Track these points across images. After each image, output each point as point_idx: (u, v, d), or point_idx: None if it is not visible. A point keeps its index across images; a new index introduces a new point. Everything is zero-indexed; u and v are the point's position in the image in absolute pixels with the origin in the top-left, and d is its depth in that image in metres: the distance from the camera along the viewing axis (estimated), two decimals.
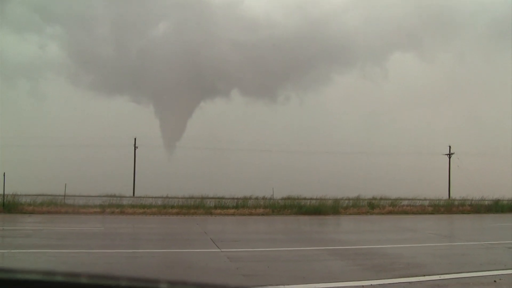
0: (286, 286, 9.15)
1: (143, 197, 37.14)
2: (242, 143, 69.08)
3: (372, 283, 9.28)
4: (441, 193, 47.88)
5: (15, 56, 68.76)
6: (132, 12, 71.07)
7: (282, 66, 73.11)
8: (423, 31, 77.80)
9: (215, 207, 33.71)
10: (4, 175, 31.06)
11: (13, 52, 68.71)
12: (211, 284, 1.72)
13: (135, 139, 57.70)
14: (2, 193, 31.22)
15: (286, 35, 70.68)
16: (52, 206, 31.28)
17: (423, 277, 10.09)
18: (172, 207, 33.09)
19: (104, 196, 36.44)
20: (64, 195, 37.00)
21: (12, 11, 66.67)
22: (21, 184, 37.20)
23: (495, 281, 9.61)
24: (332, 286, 9.60)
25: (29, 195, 34.48)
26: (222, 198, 37.35)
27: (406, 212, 36.19)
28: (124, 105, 73.60)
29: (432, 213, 36.93)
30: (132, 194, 48.43)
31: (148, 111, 71.08)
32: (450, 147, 61.34)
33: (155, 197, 36.92)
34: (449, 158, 61.50)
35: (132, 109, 72.30)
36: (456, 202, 41.54)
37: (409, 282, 9.49)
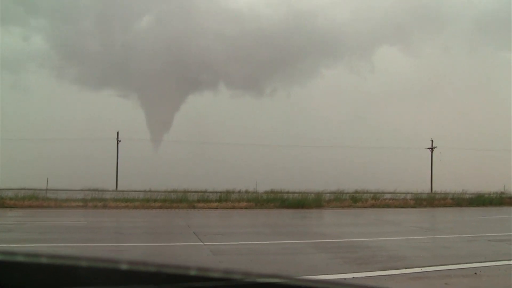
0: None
1: (126, 191, 36.97)
2: (226, 137, 69.20)
3: (354, 276, 9.33)
4: (423, 187, 48.25)
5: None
6: (116, 5, 70.72)
7: (269, 59, 73.26)
8: (410, 25, 78.34)
9: (198, 201, 33.66)
10: None
11: None
12: (214, 269, 1.71)
13: (117, 133, 57.51)
14: None
15: (272, 27, 70.70)
16: (34, 200, 31.08)
17: (404, 269, 10.16)
18: (155, 200, 33.00)
19: (86, 190, 36.29)
20: (46, 189, 36.83)
21: None
22: (2, 178, 37.01)
23: (475, 273, 9.69)
24: (315, 278, 9.63)
25: (10, 189, 34.26)
26: (205, 191, 37.35)
27: (388, 206, 36.39)
28: (109, 98, 73.45)
29: (414, 206, 37.17)
30: (115, 188, 48.27)
31: (133, 104, 70.93)
32: (432, 141, 61.79)
33: (138, 191, 36.84)
34: (431, 152, 61.92)
35: (117, 102, 72.18)
36: (438, 196, 41.84)
37: (390, 275, 9.54)
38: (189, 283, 1.70)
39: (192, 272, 1.68)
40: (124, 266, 1.63)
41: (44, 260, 1.64)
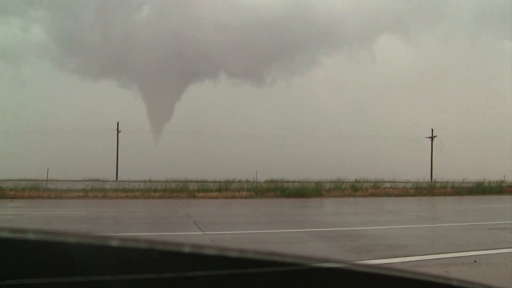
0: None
1: (126, 181, 36.99)
2: (226, 126, 69.00)
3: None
4: (423, 176, 48.19)
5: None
6: None
7: (268, 49, 73.05)
8: (409, 15, 78.01)
9: (198, 191, 33.72)
10: None
11: None
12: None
13: (117, 123, 57.45)
14: None
15: (272, 17, 70.56)
16: (34, 191, 31.12)
17: (404, 258, 10.18)
18: (155, 190, 33.04)
19: (87, 181, 36.31)
20: (47, 180, 36.81)
21: None
22: (3, 169, 37.01)
23: (475, 261, 9.72)
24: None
25: (11, 180, 34.27)
26: (206, 181, 37.34)
27: (388, 194, 36.43)
28: (109, 89, 73.08)
29: (414, 195, 37.22)
30: (115, 179, 48.29)
31: (134, 95, 70.80)
32: (432, 130, 61.67)
33: (139, 181, 36.82)
34: (432, 141, 61.87)
35: (117, 93, 71.85)
36: (438, 184, 41.86)
37: (390, 263, 9.56)
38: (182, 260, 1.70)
39: (186, 249, 1.68)
40: (114, 243, 1.62)
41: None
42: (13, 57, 70.73)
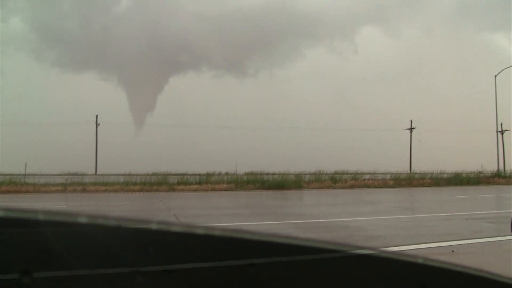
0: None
1: (106, 175, 36.79)
2: (208, 118, 68.68)
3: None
4: (403, 167, 48.52)
5: None
6: None
7: (251, 39, 72.91)
8: (391, 6, 78.32)
9: (178, 183, 33.68)
10: None
11: None
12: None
13: (96, 116, 57.06)
14: None
15: (253, 8, 70.45)
16: (12, 186, 30.87)
17: (382, 248, 10.24)
18: (135, 184, 32.95)
19: (66, 175, 35.99)
20: (25, 174, 36.50)
21: None
22: None
23: (453, 251, 9.82)
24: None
25: None
26: (186, 174, 37.25)
27: (368, 186, 36.65)
28: (89, 81, 72.40)
29: (393, 186, 37.47)
30: (94, 172, 48.01)
31: (115, 87, 70.35)
32: (411, 121, 62.01)
33: (118, 175, 36.63)
34: (411, 132, 62.25)
35: (98, 85, 71.13)
36: (417, 176, 42.24)
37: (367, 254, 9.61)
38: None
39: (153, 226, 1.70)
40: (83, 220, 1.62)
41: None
42: None
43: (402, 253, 2.12)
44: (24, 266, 1.52)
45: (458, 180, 40.35)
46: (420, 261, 1.83)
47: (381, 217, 17.55)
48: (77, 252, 1.58)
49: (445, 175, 41.80)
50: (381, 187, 36.71)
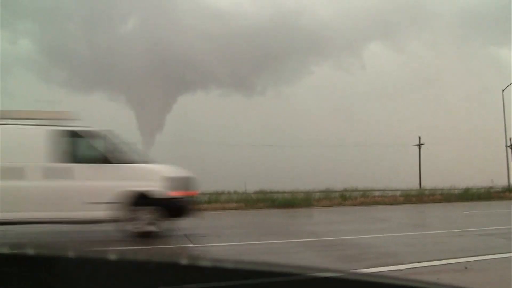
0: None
1: None
2: (216, 136, 68.85)
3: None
4: (412, 184, 48.39)
5: None
6: (101, 9, 70.64)
7: (257, 57, 73.27)
8: (396, 22, 78.51)
9: None
10: None
11: None
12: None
13: None
14: None
15: (259, 26, 70.76)
16: None
17: (395, 266, 10.13)
18: None
19: None
20: None
21: None
22: None
23: (466, 267, 9.69)
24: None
25: None
26: None
27: (378, 203, 36.42)
28: (98, 101, 72.82)
29: (403, 203, 37.22)
30: None
31: (123, 107, 70.60)
32: (420, 137, 61.94)
33: None
34: (419, 148, 62.08)
35: (106, 105, 71.58)
36: (427, 192, 41.97)
37: (381, 272, 9.51)
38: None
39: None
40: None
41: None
42: (1, 70, 70.54)
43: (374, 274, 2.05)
44: None
45: (469, 195, 40.09)
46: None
47: (393, 234, 17.39)
48: None
49: (456, 191, 41.55)
50: (391, 204, 36.49)
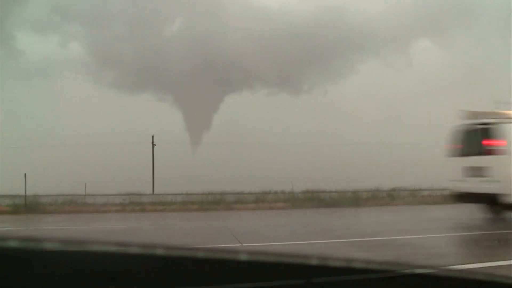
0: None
1: (163, 194, 37.24)
2: (263, 136, 68.83)
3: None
4: None
5: (36, 56, 69.38)
6: (148, 10, 71.52)
7: (302, 55, 73.03)
8: (443, 18, 77.20)
9: (235, 202, 33.73)
10: (25, 176, 31.34)
11: (34, 52, 69.22)
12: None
13: (152, 136, 58.01)
14: (24, 193, 31.54)
15: (304, 22, 70.58)
16: (73, 206, 31.54)
17: (448, 267, 10.05)
18: (192, 203, 33.14)
19: (124, 195, 36.54)
20: (85, 194, 37.28)
21: (32, 11, 67.55)
22: (41, 184, 37.57)
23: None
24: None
25: (49, 195, 34.70)
26: (242, 193, 37.34)
27: (426, 203, 35.89)
28: (146, 102, 73.70)
29: (452, 203, 36.60)
30: (151, 192, 48.62)
31: (170, 107, 71.14)
32: None
33: (175, 194, 36.98)
34: None
35: (154, 106, 72.38)
36: None
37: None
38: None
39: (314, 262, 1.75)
40: (243, 257, 1.69)
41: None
42: (51, 73, 72.12)
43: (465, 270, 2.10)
44: None
45: None
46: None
47: (443, 235, 17.20)
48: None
49: None
50: (440, 203, 35.94)
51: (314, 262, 1.75)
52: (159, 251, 1.67)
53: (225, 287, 1.69)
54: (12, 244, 1.63)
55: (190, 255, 1.75)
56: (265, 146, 63.89)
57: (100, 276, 1.63)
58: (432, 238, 16.21)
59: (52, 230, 21.09)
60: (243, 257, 1.71)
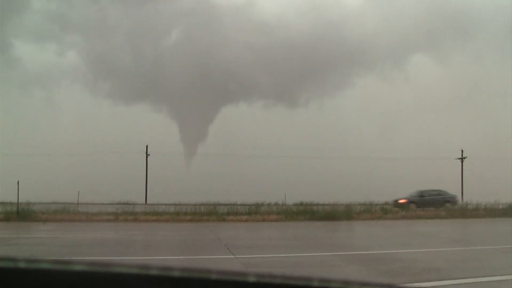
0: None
1: (156, 204, 37.18)
2: (254, 149, 68.86)
3: None
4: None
5: (33, 65, 69.50)
6: (145, 21, 71.69)
7: (300, 69, 73.26)
8: (441, 34, 77.55)
9: (228, 214, 33.71)
10: (18, 184, 31.22)
11: (31, 60, 69.31)
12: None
13: (146, 146, 57.95)
14: (16, 201, 31.41)
15: (302, 37, 70.85)
16: (65, 214, 31.45)
17: (438, 281, 10.05)
18: (185, 214, 33.11)
19: (116, 204, 36.45)
20: (78, 203, 37.18)
21: (30, 20, 67.69)
22: (34, 192, 37.45)
23: None
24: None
25: (42, 203, 34.64)
26: (235, 204, 37.28)
27: (419, 217, 35.94)
28: (141, 112, 73.86)
29: (445, 217, 36.65)
30: (144, 202, 48.53)
31: (166, 118, 71.21)
32: (462, 151, 61.10)
33: (168, 204, 36.92)
34: (462, 162, 61.24)
35: (149, 116, 72.50)
36: (469, 206, 41.18)
37: (426, 287, 9.44)
38: None
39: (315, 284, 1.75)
40: (251, 279, 1.69)
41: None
42: (48, 82, 72.23)
43: None
44: None
45: None
46: None
47: (435, 249, 17.21)
48: None
49: (500, 206, 40.68)
50: (433, 218, 35.97)
51: (315, 284, 1.74)
52: (176, 273, 1.66)
53: None
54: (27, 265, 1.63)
55: (194, 276, 1.74)
56: (260, 157, 63.95)
57: None
58: (425, 253, 16.22)
59: (44, 238, 21.02)
60: (251, 279, 1.71)
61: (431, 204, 38.31)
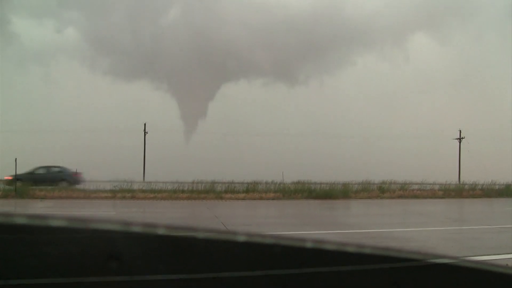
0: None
1: (154, 182, 37.17)
2: (253, 127, 68.77)
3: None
4: (451, 178, 47.75)
5: (32, 41, 69.22)
6: None
7: (300, 47, 73.01)
8: (441, 13, 77.20)
9: (226, 192, 33.76)
10: (16, 161, 31.21)
11: (29, 37, 69.05)
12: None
13: (144, 124, 57.86)
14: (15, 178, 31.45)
15: (302, 15, 70.54)
16: (63, 191, 31.45)
17: (433, 260, 10.07)
18: (183, 191, 33.18)
19: (114, 181, 36.46)
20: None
21: None
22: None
23: (507, 264, 9.57)
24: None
25: None
26: (233, 182, 37.31)
27: (416, 196, 36.08)
28: (141, 89, 73.75)
29: (442, 197, 36.78)
30: (142, 179, 48.52)
31: (165, 95, 71.16)
32: (460, 131, 61.12)
33: (166, 182, 36.95)
34: (459, 142, 61.29)
35: (149, 93, 72.37)
36: (466, 187, 41.28)
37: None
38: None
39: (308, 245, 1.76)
40: (241, 238, 1.70)
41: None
42: (46, 58, 71.86)
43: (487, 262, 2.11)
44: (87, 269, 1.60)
45: (509, 191, 39.27)
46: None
47: (431, 228, 17.26)
48: (128, 259, 1.63)
49: (496, 186, 40.79)
50: (430, 197, 36.10)
51: (309, 245, 1.76)
52: (160, 231, 1.68)
53: (220, 275, 1.70)
54: (18, 220, 1.64)
55: (190, 236, 1.76)
56: (258, 135, 63.92)
57: (103, 254, 1.63)
58: (421, 232, 16.27)
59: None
60: (241, 238, 1.71)
61: (43, 181, 36.61)
